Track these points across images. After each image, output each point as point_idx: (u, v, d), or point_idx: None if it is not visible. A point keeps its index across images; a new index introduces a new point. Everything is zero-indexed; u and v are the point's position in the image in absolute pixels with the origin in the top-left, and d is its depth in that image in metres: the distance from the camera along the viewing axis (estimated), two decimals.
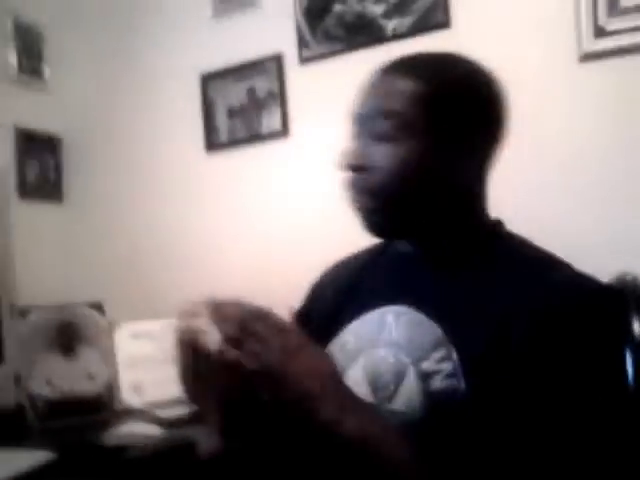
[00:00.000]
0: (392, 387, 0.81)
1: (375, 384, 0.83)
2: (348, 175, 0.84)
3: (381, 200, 0.83)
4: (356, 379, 0.84)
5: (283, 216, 1.84)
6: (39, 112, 1.92)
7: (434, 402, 0.77)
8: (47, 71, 1.94)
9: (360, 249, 1.04)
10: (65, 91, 1.99)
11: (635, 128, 1.47)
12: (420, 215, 0.85)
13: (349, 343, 0.88)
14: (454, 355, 0.77)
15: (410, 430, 0.76)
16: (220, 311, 0.66)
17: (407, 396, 0.79)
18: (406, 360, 0.81)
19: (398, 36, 1.71)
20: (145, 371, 1.57)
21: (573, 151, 1.52)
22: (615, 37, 1.49)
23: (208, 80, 1.94)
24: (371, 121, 0.83)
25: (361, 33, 1.75)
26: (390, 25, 1.72)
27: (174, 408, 1.44)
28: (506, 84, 1.55)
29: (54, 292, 1.68)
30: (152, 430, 1.28)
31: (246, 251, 1.86)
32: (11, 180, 1.78)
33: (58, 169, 1.97)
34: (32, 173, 1.87)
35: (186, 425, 1.35)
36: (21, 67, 1.86)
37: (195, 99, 1.96)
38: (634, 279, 0.82)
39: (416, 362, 0.80)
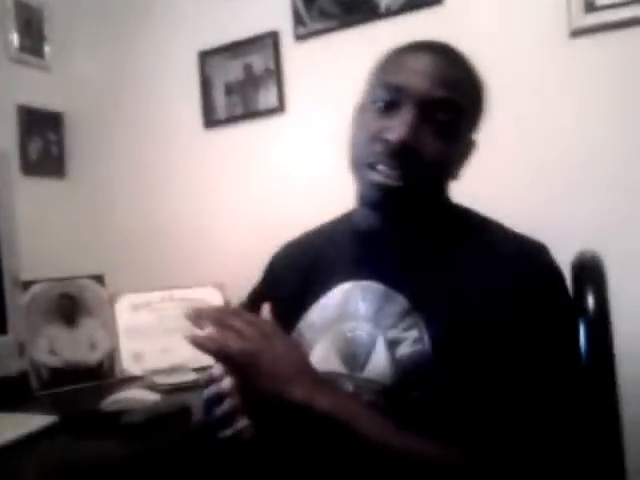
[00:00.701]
0: (363, 357, 0.85)
1: (345, 356, 0.87)
2: (395, 148, 0.83)
3: (415, 185, 0.85)
4: (326, 353, 0.88)
5: (280, 189, 1.87)
6: (41, 90, 1.95)
7: (402, 367, 0.81)
8: (48, 49, 1.97)
9: (311, 227, 1.07)
10: (66, 69, 2.02)
11: (626, 104, 1.48)
12: (423, 203, 0.89)
13: (317, 320, 0.92)
14: (421, 323, 0.81)
15: (382, 397, 0.81)
16: (197, 313, 0.75)
17: (377, 364, 0.83)
18: (374, 331, 0.85)
19: (391, 13, 1.72)
20: (144, 340, 1.63)
21: (560, 128, 1.54)
22: (605, 12, 1.48)
23: (205, 57, 1.96)
24: (433, 107, 0.83)
25: (355, 10, 1.76)
26: (384, 1, 1.73)
27: (172, 375, 1.50)
28: (496, 60, 1.58)
29: (57, 265, 1.72)
30: (150, 396, 1.33)
31: (243, 225, 1.90)
32: (14, 157, 1.82)
33: (60, 146, 2.00)
34: (35, 150, 1.91)
35: (182, 391, 1.41)
36: (22, 46, 1.88)
37: (193, 76, 1.98)
38: (593, 257, 0.86)
39: (384, 332, 0.84)
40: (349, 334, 0.88)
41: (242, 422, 0.81)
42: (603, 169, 1.48)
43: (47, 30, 1.97)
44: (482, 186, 1.54)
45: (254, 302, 1.04)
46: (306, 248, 1.03)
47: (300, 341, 0.91)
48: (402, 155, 0.82)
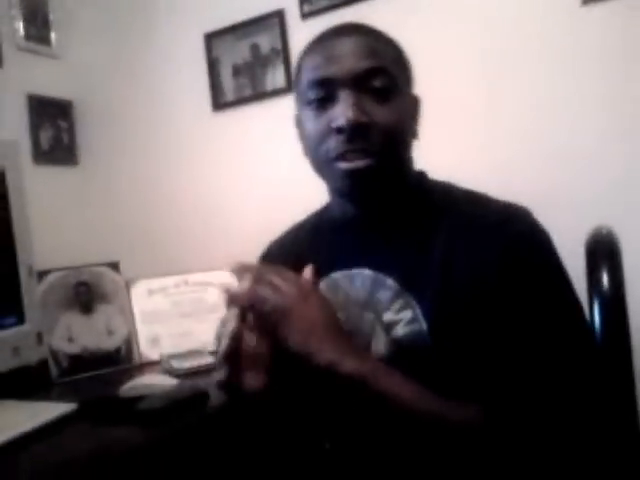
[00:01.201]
0: (363, 345, 0.85)
1: None
2: (350, 131, 0.83)
3: (381, 159, 0.85)
4: None
5: (292, 170, 1.85)
6: (49, 78, 1.94)
7: (400, 348, 0.82)
8: (54, 37, 1.96)
9: (293, 225, 1.08)
10: (73, 56, 2.01)
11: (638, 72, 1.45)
12: (395, 175, 0.90)
13: None
14: (413, 302, 0.82)
15: None
16: (241, 267, 0.78)
17: (375, 349, 0.84)
18: (370, 316, 0.86)
19: None
20: (161, 325, 1.64)
21: (572, 98, 1.51)
22: None
23: (212, 39, 1.94)
24: (366, 79, 0.84)
25: None
26: None
27: (189, 359, 1.52)
28: (506, 30, 1.55)
29: (71, 254, 1.73)
30: (168, 381, 1.34)
31: (255, 207, 1.90)
32: (25, 146, 1.82)
33: (71, 133, 2.00)
34: (46, 138, 1.91)
35: (200, 375, 1.42)
36: (28, 34, 1.88)
37: (200, 59, 1.97)
38: (608, 233, 0.84)
39: (379, 316, 0.85)
40: (345, 323, 0.87)
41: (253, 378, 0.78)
42: (619, 141, 1.46)
43: (53, 17, 1.97)
44: (492, 159, 1.54)
45: None
46: (292, 244, 1.04)
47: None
48: (358, 133, 0.83)
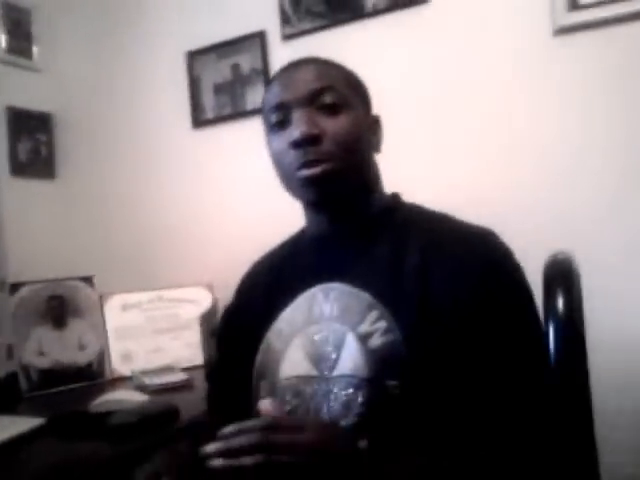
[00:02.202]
0: (333, 355, 0.87)
1: (315, 358, 0.89)
2: (302, 142, 0.89)
3: (336, 164, 0.90)
4: (296, 359, 0.91)
5: (269, 189, 1.86)
6: (29, 91, 1.95)
7: (376, 358, 0.83)
8: (36, 50, 1.97)
9: (276, 245, 1.11)
10: (54, 70, 2.02)
11: (609, 101, 1.48)
12: (355, 182, 0.95)
13: (284, 328, 0.95)
14: (387, 314, 0.85)
15: (360, 390, 0.83)
16: (232, 432, 0.74)
17: (350, 359, 0.85)
18: (343, 328, 0.88)
19: (377, 12, 1.73)
20: (134, 341, 1.64)
21: (543, 128, 1.54)
22: (589, 10, 1.49)
23: (194, 57, 1.96)
24: (316, 98, 0.92)
25: (342, 9, 1.77)
26: (370, 0, 1.74)
27: (161, 376, 1.52)
28: (479, 60, 1.59)
29: (46, 267, 1.73)
30: (138, 397, 1.34)
31: (233, 223, 1.91)
32: (3, 158, 1.83)
33: (50, 146, 2.01)
34: (24, 151, 1.91)
35: (171, 392, 1.42)
36: (10, 47, 1.89)
37: (182, 76, 1.99)
38: (565, 258, 0.87)
39: (354, 328, 0.87)
40: (316, 337, 0.91)
41: None
42: (586, 168, 1.49)
43: (35, 31, 1.98)
44: (465, 188, 1.57)
45: (228, 322, 1.12)
46: (271, 263, 1.09)
47: (271, 351, 0.94)
48: (311, 144, 0.90)
